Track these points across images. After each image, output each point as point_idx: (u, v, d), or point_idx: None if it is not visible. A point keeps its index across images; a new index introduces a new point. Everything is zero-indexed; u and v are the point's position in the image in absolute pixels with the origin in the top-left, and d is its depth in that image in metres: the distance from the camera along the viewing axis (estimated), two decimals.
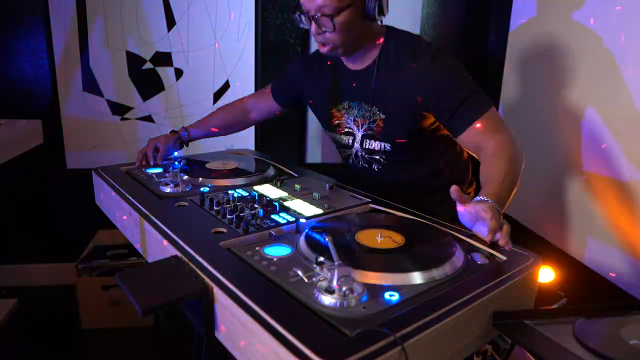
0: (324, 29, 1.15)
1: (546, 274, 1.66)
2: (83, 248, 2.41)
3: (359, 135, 1.35)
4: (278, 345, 0.59)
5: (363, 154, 1.37)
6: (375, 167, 1.37)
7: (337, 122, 1.39)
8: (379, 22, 1.24)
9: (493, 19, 2.35)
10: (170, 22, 2.40)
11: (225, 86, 2.51)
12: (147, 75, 2.45)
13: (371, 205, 1.17)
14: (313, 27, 1.16)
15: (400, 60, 1.22)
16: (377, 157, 1.35)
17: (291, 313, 0.66)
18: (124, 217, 1.15)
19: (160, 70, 2.45)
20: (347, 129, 1.37)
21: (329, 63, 1.36)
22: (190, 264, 0.81)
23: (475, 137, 1.16)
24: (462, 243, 0.94)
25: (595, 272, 1.56)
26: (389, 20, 1.24)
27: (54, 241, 2.62)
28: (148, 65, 2.44)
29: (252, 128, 2.55)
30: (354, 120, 1.35)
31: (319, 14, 1.13)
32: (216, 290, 0.73)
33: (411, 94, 1.21)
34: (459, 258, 0.85)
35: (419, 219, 1.06)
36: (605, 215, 1.53)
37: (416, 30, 2.49)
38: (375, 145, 1.33)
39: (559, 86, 1.77)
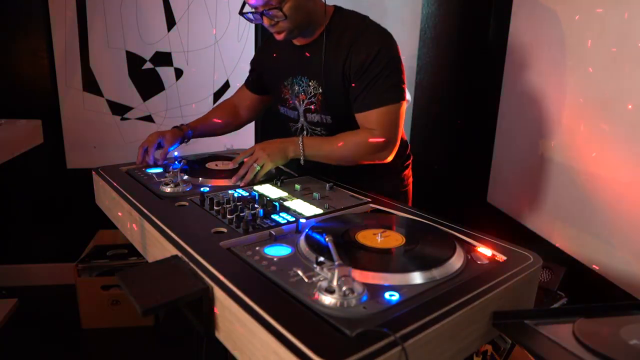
0: (276, 20, 1.21)
1: (546, 274, 1.66)
2: (83, 248, 2.41)
3: (301, 109, 1.41)
4: (278, 345, 0.59)
5: (307, 126, 1.43)
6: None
7: (284, 96, 1.45)
8: (324, 1, 1.30)
9: (493, 19, 2.35)
10: (170, 22, 2.40)
11: (225, 86, 2.51)
12: (147, 75, 2.45)
13: (371, 205, 1.17)
14: (265, 20, 1.23)
15: (342, 34, 1.27)
16: (319, 129, 1.42)
17: (291, 313, 0.66)
18: (124, 217, 1.15)
19: (160, 70, 2.45)
20: (292, 104, 1.43)
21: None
22: (190, 264, 0.81)
23: (363, 121, 1.29)
24: (462, 243, 0.94)
25: (596, 272, 1.56)
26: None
27: (54, 241, 2.62)
28: (148, 65, 2.44)
29: (252, 128, 2.55)
30: (297, 96, 1.40)
31: (267, 9, 1.18)
32: (216, 290, 0.73)
33: (343, 64, 1.26)
34: (459, 258, 0.85)
35: (419, 219, 1.06)
36: (605, 214, 1.53)
37: (416, 30, 2.49)
38: (317, 118, 1.39)
39: (560, 85, 1.77)
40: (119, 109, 2.47)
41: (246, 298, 0.69)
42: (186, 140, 1.52)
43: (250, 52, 2.46)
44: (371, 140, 1.27)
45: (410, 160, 1.58)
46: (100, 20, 2.35)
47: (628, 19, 1.44)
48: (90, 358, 2.13)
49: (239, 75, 2.50)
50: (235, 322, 0.69)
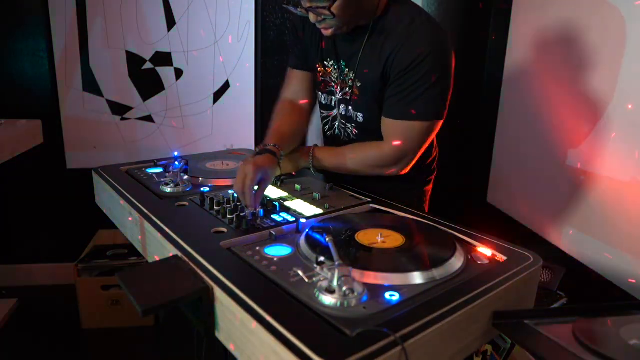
0: (323, 17, 1.11)
1: (546, 274, 1.66)
2: (83, 248, 2.41)
3: (336, 97, 1.33)
4: (278, 345, 0.59)
5: (341, 117, 1.35)
6: (348, 136, 1.35)
7: (321, 79, 1.34)
8: None
9: (494, 18, 2.35)
10: (170, 22, 2.40)
11: (225, 86, 2.51)
12: (147, 75, 2.45)
13: (371, 205, 1.17)
14: (311, 17, 1.13)
15: (390, 31, 1.15)
16: (351, 125, 1.33)
17: (291, 313, 0.66)
18: (124, 217, 1.15)
19: (160, 70, 2.45)
20: (330, 89, 1.34)
21: None
22: (191, 264, 0.81)
23: (385, 128, 1.21)
24: (463, 243, 0.94)
25: (595, 272, 1.56)
26: None
27: (54, 241, 2.62)
28: (148, 65, 2.44)
29: (252, 128, 2.55)
30: (334, 81, 1.31)
31: (314, 6, 1.08)
32: (216, 290, 0.73)
33: (384, 64, 1.16)
34: (459, 258, 0.85)
35: (419, 219, 1.06)
36: (605, 214, 1.53)
37: None
38: (350, 112, 1.30)
39: (560, 85, 1.77)
40: (119, 109, 2.47)
41: (246, 298, 0.69)
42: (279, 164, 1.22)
43: (251, 52, 2.46)
44: (383, 156, 1.22)
45: (434, 175, 1.47)
46: (100, 20, 2.35)
47: (631, 17, 1.44)
48: (90, 358, 2.13)
49: (239, 75, 2.50)
50: (235, 322, 0.69)
